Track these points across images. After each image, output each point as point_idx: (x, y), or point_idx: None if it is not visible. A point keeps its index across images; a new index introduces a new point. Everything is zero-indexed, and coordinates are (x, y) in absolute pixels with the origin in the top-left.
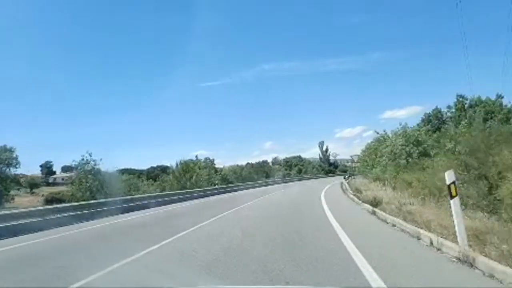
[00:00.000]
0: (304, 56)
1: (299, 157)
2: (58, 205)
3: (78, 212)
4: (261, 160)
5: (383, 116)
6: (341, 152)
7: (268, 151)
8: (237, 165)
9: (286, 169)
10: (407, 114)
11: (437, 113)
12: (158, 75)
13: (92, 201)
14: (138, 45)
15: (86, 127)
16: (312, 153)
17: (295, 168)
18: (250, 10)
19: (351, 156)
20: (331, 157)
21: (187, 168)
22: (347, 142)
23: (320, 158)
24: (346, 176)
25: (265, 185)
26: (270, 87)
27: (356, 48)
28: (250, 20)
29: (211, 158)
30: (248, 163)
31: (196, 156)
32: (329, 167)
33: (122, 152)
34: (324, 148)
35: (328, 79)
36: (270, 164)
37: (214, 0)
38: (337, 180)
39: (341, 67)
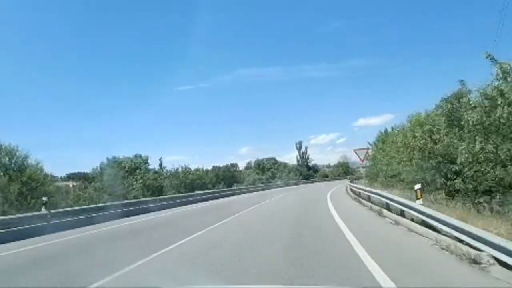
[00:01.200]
0: (282, 62)
1: (273, 159)
2: None
3: None
4: (229, 163)
5: (357, 124)
6: (315, 158)
7: (244, 157)
8: (199, 169)
9: (257, 173)
10: (380, 122)
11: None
12: (132, 79)
13: None
14: (113, 49)
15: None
16: (289, 158)
17: (268, 172)
18: (227, 16)
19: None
20: (310, 161)
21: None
22: (321, 149)
23: (298, 161)
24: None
25: (218, 197)
26: (247, 93)
27: (333, 55)
28: (227, 25)
29: (184, 163)
30: (214, 166)
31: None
32: (307, 171)
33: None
34: (303, 149)
35: (305, 86)
36: (243, 168)
37: (191, 4)
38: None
39: (318, 74)
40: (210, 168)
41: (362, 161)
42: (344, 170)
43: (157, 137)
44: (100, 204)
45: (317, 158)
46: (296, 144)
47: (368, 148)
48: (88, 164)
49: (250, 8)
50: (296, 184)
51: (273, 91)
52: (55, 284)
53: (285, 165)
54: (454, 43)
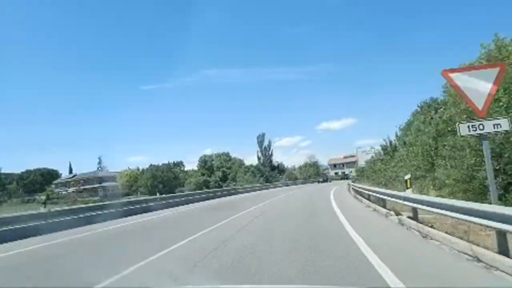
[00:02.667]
0: (248, 64)
1: (227, 155)
2: None
3: None
4: (172, 161)
5: (320, 127)
6: (280, 160)
7: None
8: (129, 169)
9: (203, 174)
10: (342, 126)
11: None
12: (97, 76)
13: None
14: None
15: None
16: (253, 161)
17: (219, 172)
18: (192, 16)
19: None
20: (274, 159)
21: None
22: (286, 151)
23: (259, 158)
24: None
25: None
26: (212, 94)
27: (297, 59)
28: (192, 25)
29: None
30: (152, 165)
31: None
32: (271, 171)
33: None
34: (266, 144)
35: (270, 88)
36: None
37: (160, 5)
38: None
39: (283, 77)
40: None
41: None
42: (315, 171)
43: (121, 136)
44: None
45: (282, 160)
46: (257, 137)
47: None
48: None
49: (215, 10)
50: (260, 189)
51: (238, 93)
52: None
53: (241, 162)
54: (417, 50)
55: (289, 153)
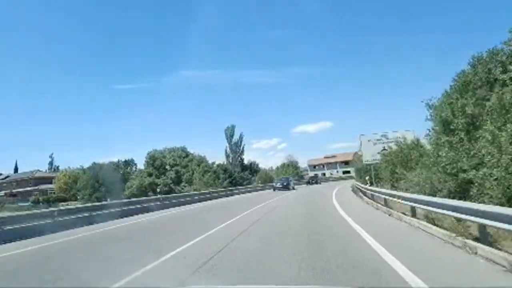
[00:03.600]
0: (226, 66)
1: (183, 150)
2: None
3: None
4: (122, 160)
5: (296, 130)
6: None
7: None
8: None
9: (150, 175)
10: (317, 129)
11: None
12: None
13: None
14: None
15: None
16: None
17: (171, 172)
18: (169, 17)
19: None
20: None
21: None
22: (263, 153)
23: (227, 155)
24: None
25: None
26: (190, 95)
27: (275, 62)
28: (169, 26)
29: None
30: (95, 164)
31: None
32: (241, 172)
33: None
34: (236, 139)
35: (248, 90)
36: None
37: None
38: None
39: (260, 80)
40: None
41: None
42: (294, 172)
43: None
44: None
45: (259, 163)
46: (225, 130)
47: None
48: None
49: (193, 9)
50: (226, 194)
51: (216, 94)
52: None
53: (200, 160)
54: (394, 55)
55: (266, 155)
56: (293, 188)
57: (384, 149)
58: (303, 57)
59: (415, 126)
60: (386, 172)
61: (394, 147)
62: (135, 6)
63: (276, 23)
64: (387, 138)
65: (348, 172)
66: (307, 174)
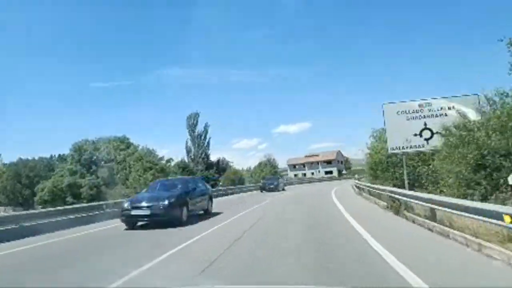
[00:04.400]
0: (208, 64)
1: (122, 140)
2: None
3: None
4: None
5: (277, 130)
6: (236, 163)
7: None
8: None
9: (74, 173)
10: (298, 129)
11: None
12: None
13: None
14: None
15: None
16: None
17: (104, 169)
18: (152, 16)
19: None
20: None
21: None
22: (243, 153)
23: (188, 152)
24: None
25: None
26: (170, 93)
27: (256, 62)
28: (150, 24)
29: None
30: (21, 159)
31: None
32: (206, 170)
33: None
34: (199, 130)
35: (229, 90)
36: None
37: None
38: None
39: (242, 79)
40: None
41: None
42: (272, 172)
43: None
44: None
45: (238, 163)
46: (187, 118)
47: None
48: None
49: (177, 8)
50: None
51: (197, 94)
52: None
53: (144, 154)
54: (370, 58)
55: (246, 155)
56: (283, 189)
57: (434, 132)
58: (284, 57)
59: None
60: (457, 168)
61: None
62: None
63: (259, 23)
64: (431, 110)
65: (331, 172)
66: (287, 174)
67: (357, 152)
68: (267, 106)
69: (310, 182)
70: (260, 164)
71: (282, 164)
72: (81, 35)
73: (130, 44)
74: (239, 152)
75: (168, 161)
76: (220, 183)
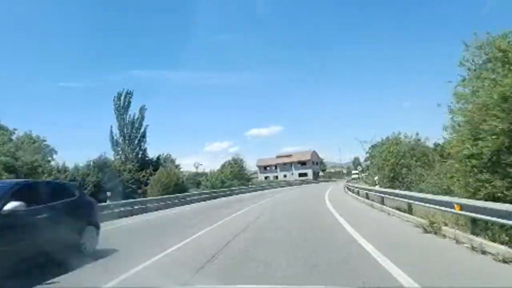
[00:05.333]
0: (177, 67)
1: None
2: None
3: None
4: None
5: (249, 133)
6: (206, 166)
7: None
8: None
9: None
10: (269, 133)
11: None
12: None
13: None
14: None
15: None
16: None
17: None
18: (124, 16)
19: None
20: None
21: None
22: (214, 156)
23: (115, 143)
24: None
25: None
26: (140, 95)
27: (229, 65)
28: (121, 24)
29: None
30: None
31: None
32: (140, 170)
33: None
34: (132, 115)
35: (202, 93)
36: None
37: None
38: None
39: (215, 82)
40: None
41: None
42: (238, 174)
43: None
44: None
45: (208, 166)
46: (113, 100)
47: None
48: None
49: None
50: None
51: (169, 96)
52: None
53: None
54: (340, 63)
55: (217, 158)
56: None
57: None
58: (256, 61)
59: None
60: None
61: None
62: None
63: (230, 25)
64: None
65: (305, 174)
66: (257, 177)
67: (330, 155)
68: (240, 109)
69: (282, 186)
70: (223, 165)
71: (253, 167)
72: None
73: (102, 44)
74: (210, 155)
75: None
76: (149, 190)
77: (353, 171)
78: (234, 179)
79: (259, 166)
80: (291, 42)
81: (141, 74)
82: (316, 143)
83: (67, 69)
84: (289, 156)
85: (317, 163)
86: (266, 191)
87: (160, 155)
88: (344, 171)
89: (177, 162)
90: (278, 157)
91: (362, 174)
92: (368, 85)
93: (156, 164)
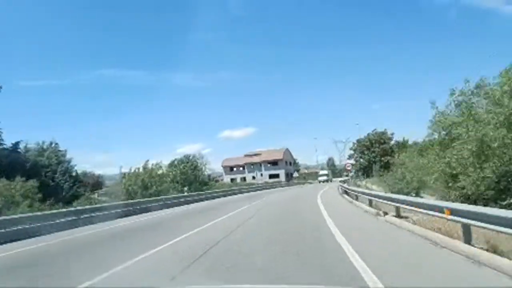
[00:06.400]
0: (150, 67)
1: None
2: None
3: None
4: None
5: (221, 135)
6: None
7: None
8: None
9: None
10: (242, 134)
11: None
12: None
13: None
14: None
15: None
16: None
17: None
18: (91, 14)
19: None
20: None
21: None
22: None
23: None
24: None
25: None
26: (111, 95)
27: (202, 65)
28: (93, 18)
29: None
30: None
31: None
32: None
33: None
34: None
35: (173, 93)
36: None
37: None
38: None
39: (186, 83)
40: None
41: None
42: (191, 174)
43: None
44: None
45: None
46: None
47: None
48: None
49: (121, 7)
50: None
51: (139, 96)
52: None
53: None
54: (316, 66)
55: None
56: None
57: None
58: (229, 62)
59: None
60: None
61: None
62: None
63: (202, 26)
64: None
65: (277, 175)
66: (222, 180)
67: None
68: (213, 111)
69: (248, 191)
70: (172, 163)
71: (217, 167)
72: None
73: (69, 44)
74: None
75: None
76: None
77: (321, 171)
78: (179, 181)
79: (224, 167)
80: (264, 43)
81: (111, 74)
82: (292, 145)
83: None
84: (258, 154)
85: (290, 163)
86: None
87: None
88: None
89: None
90: (246, 156)
91: (350, 174)
92: (343, 86)
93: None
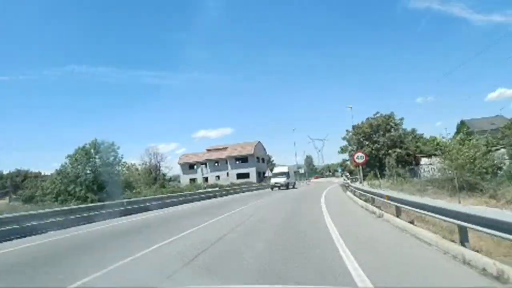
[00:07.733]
0: (123, 64)
1: None
2: None
3: None
4: None
5: (197, 135)
6: None
7: None
8: None
9: None
10: (218, 134)
11: None
12: None
13: None
14: None
15: None
16: None
17: None
18: (65, 9)
19: None
20: None
21: None
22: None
23: None
24: None
25: None
26: (81, 92)
27: (177, 65)
28: (65, 13)
29: None
30: None
31: None
32: None
33: None
34: None
35: (145, 92)
36: None
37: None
38: None
39: (159, 82)
40: None
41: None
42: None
43: None
44: None
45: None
46: None
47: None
48: None
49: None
50: None
51: (111, 94)
52: None
53: None
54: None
55: (164, 160)
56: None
57: None
58: (202, 62)
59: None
60: None
61: None
62: None
63: (176, 25)
64: None
65: (247, 175)
66: (179, 181)
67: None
68: (188, 111)
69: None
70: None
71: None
72: None
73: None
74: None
75: None
76: None
77: (276, 168)
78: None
79: (182, 165)
80: (241, 42)
81: (82, 70)
82: (271, 148)
83: None
84: (224, 149)
85: (263, 160)
86: None
87: None
88: (301, 171)
89: None
90: (208, 151)
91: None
92: (320, 86)
93: None
